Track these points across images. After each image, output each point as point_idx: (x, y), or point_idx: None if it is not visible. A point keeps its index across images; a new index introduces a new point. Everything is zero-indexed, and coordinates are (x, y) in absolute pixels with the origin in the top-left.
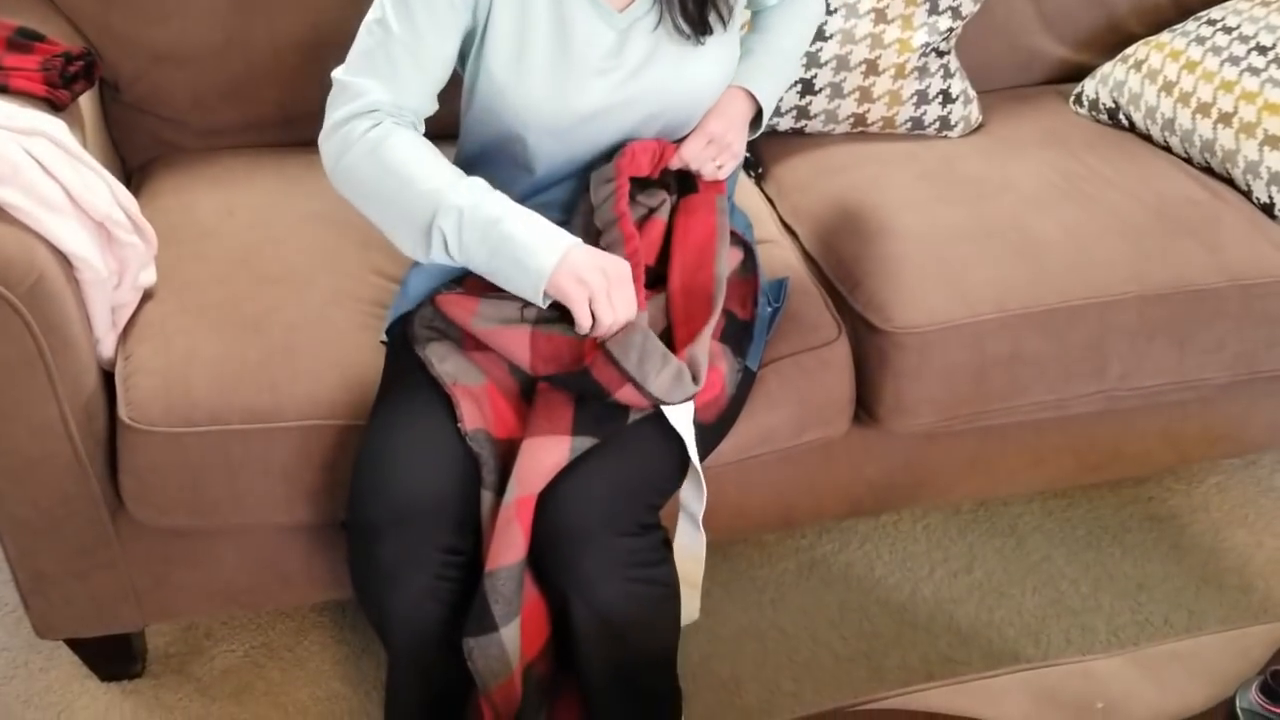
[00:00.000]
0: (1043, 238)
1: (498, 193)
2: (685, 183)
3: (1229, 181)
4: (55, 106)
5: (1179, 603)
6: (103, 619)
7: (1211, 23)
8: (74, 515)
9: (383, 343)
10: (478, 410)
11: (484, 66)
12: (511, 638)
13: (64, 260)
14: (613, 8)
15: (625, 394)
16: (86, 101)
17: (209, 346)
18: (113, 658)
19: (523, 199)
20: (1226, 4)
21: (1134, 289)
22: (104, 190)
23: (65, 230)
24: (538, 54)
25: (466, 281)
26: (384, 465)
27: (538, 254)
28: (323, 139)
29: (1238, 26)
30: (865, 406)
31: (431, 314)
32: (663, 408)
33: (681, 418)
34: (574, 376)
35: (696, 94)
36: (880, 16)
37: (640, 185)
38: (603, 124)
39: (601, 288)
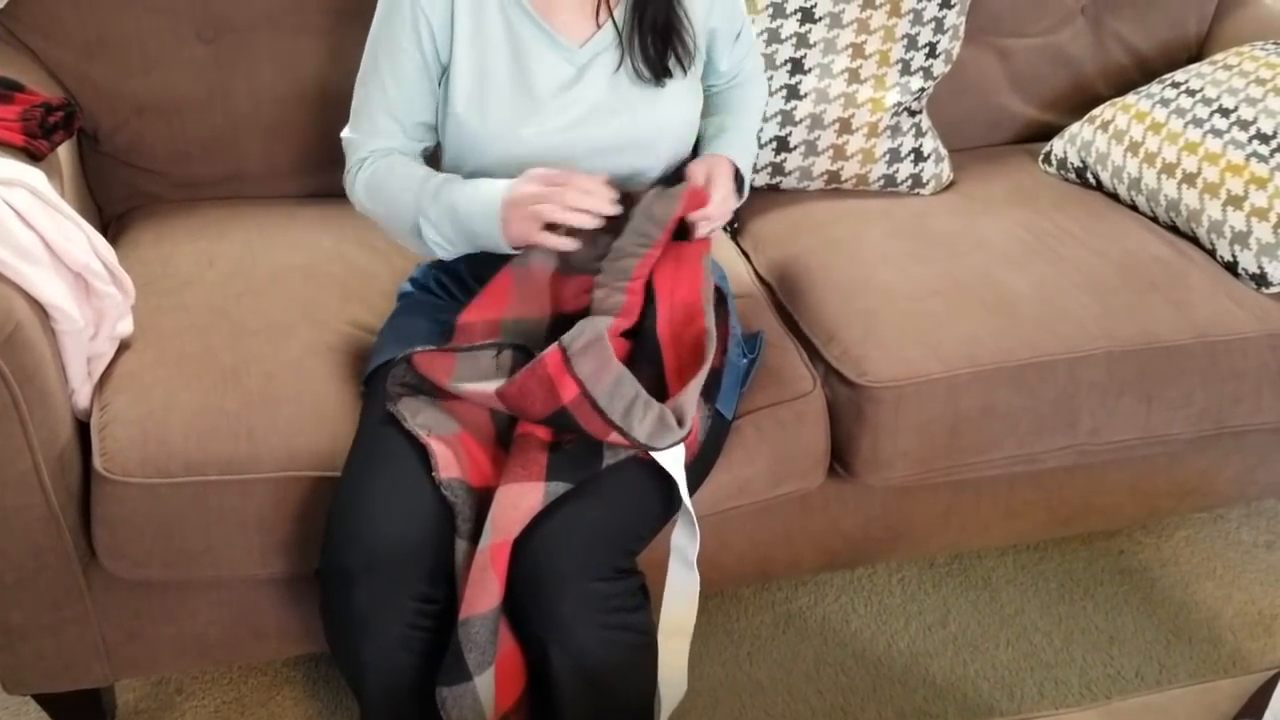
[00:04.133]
0: (1014, 294)
1: (450, 181)
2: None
3: (1194, 240)
4: (34, 156)
5: (1150, 656)
6: (73, 674)
7: (1176, 85)
8: (45, 568)
9: (362, 393)
10: (454, 459)
11: (450, 108)
12: (486, 687)
13: (40, 310)
14: (570, 43)
15: (614, 439)
16: (65, 151)
17: (186, 397)
18: (82, 714)
19: (482, 268)
20: (1190, 68)
21: (1103, 345)
22: (82, 240)
23: (42, 281)
24: (496, 90)
25: (448, 334)
26: (358, 512)
27: (486, 229)
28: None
29: (1201, 89)
30: (840, 459)
31: (404, 371)
32: (653, 453)
33: (672, 461)
34: (559, 414)
35: (657, 135)
36: (854, 76)
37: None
38: (568, 159)
39: (549, 211)
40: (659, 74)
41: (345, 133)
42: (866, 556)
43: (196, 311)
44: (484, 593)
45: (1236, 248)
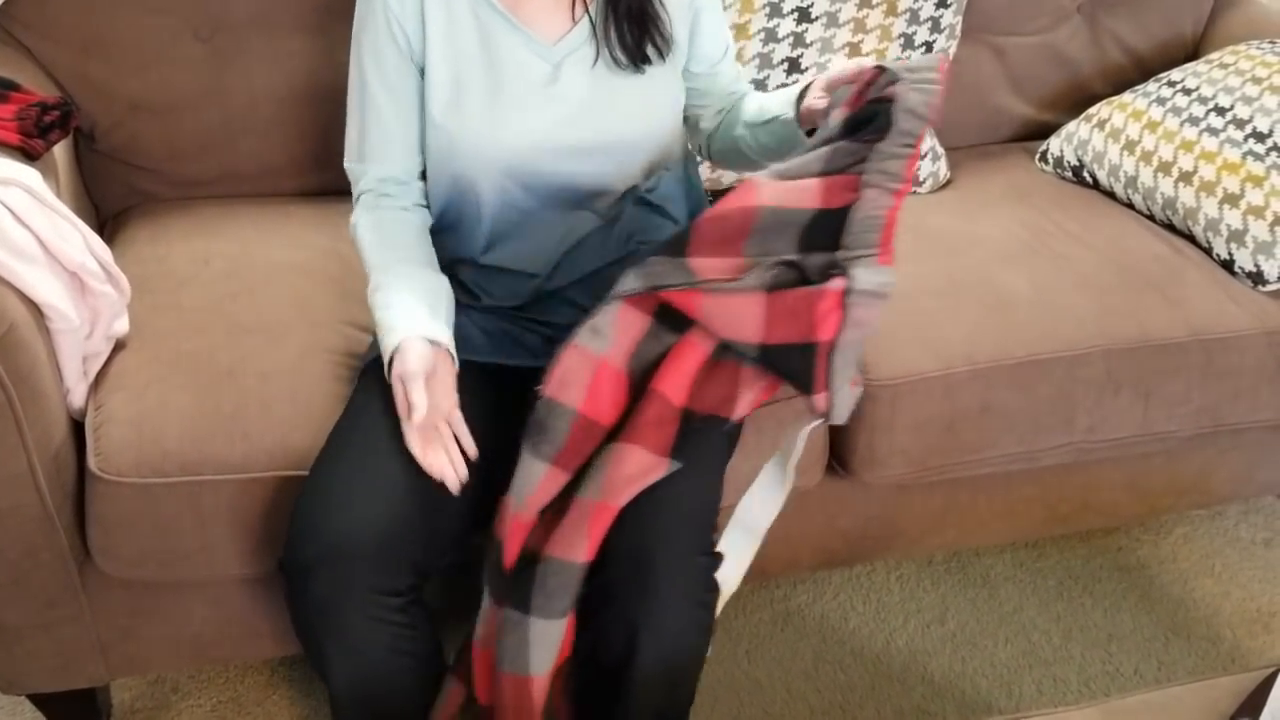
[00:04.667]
0: (1011, 293)
1: (379, 289)
2: None
3: (1190, 238)
4: (29, 155)
5: (1149, 653)
6: (68, 674)
7: (1172, 84)
8: (40, 567)
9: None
10: (576, 380)
11: (428, 116)
12: (542, 635)
13: (36, 310)
14: (544, 40)
15: (818, 401)
16: (61, 150)
17: (181, 397)
18: (78, 713)
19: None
20: (1186, 66)
21: (1100, 343)
22: (78, 239)
23: (38, 280)
24: (472, 92)
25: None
26: (318, 503)
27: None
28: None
29: (1196, 88)
30: (839, 458)
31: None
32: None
33: (804, 437)
34: (796, 351)
35: (643, 129)
36: None
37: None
38: (549, 162)
39: (398, 392)
40: (638, 60)
41: (345, 162)
42: (865, 554)
43: (192, 310)
44: (573, 543)
45: (1233, 245)
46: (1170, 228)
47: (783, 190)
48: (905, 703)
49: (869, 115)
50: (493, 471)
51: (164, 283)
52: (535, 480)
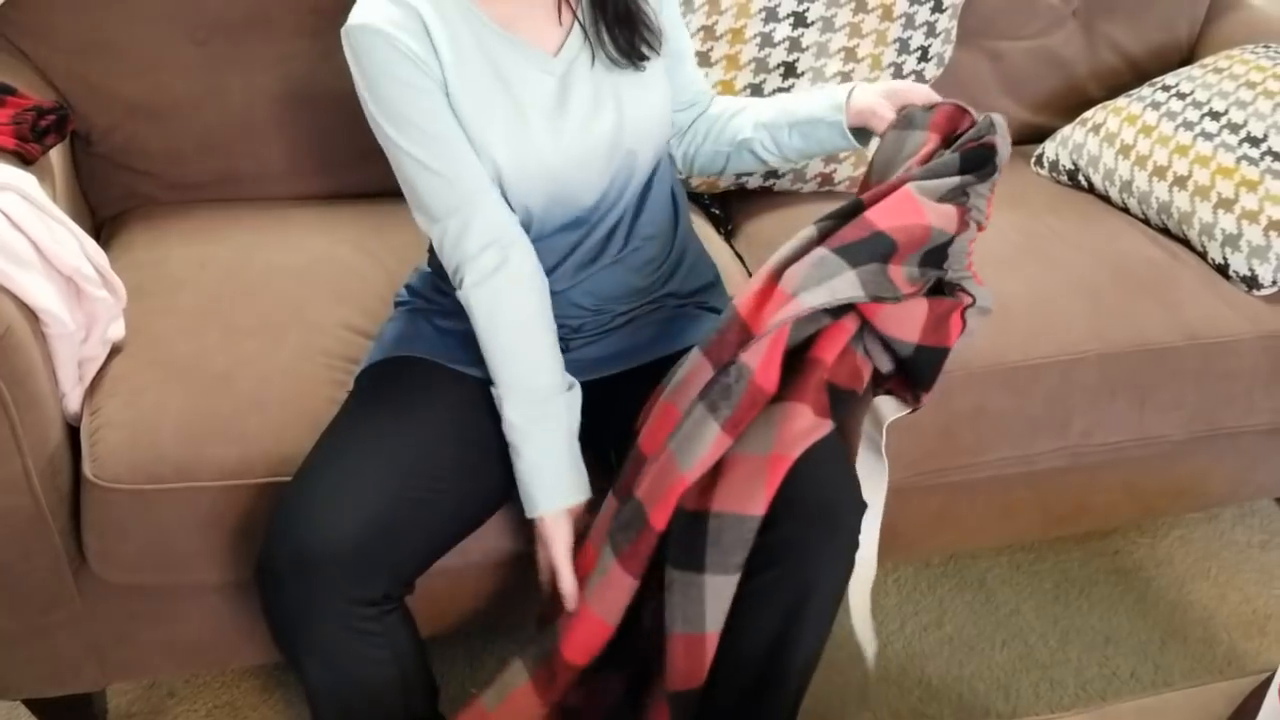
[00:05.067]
0: (1006, 296)
1: (544, 419)
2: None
3: (1185, 242)
4: (25, 160)
5: (1145, 656)
6: (64, 678)
7: (1166, 89)
8: (36, 571)
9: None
10: (756, 347)
11: (465, 127)
12: (718, 592)
13: (31, 315)
14: (546, 53)
15: (927, 397)
16: (57, 154)
17: (177, 401)
18: (74, 718)
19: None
20: (1180, 71)
21: (1095, 347)
22: (73, 244)
23: (33, 285)
24: (496, 120)
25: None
26: (294, 510)
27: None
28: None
29: (1191, 93)
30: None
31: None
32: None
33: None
34: (935, 352)
35: (648, 122)
36: (846, 79)
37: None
38: (569, 171)
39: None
40: (633, 58)
41: (424, 225)
42: None
43: (189, 314)
44: (749, 497)
45: (1228, 250)
46: (1165, 232)
47: (939, 213)
48: (902, 706)
49: (981, 159)
50: (480, 482)
51: (160, 286)
52: (708, 442)
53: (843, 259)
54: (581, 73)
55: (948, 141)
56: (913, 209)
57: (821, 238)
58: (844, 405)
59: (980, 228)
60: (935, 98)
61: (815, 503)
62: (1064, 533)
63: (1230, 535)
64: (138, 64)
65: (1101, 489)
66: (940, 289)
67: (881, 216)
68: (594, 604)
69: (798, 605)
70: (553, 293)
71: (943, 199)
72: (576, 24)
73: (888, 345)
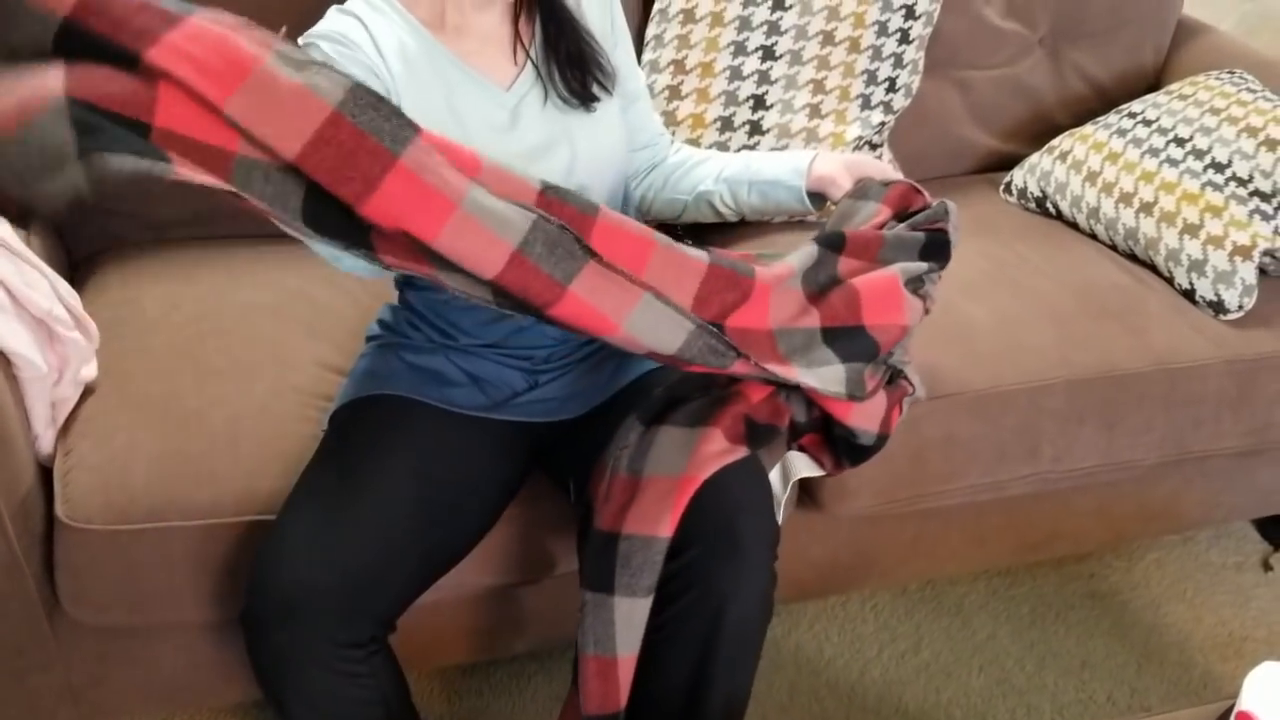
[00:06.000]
0: (974, 323)
1: None
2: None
3: (1152, 268)
4: None
5: (1121, 679)
6: None
7: (1132, 116)
8: (9, 615)
9: (322, 431)
10: None
11: None
12: (628, 615)
13: (2, 358)
14: (498, 86)
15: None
16: None
17: (149, 441)
18: None
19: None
20: (1146, 98)
21: (1062, 373)
22: (45, 286)
23: (4, 328)
24: (450, 134)
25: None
26: (277, 554)
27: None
28: None
29: (1156, 119)
30: (807, 490)
31: None
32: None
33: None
34: (882, 438)
35: (600, 162)
36: (815, 111)
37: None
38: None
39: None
40: (586, 99)
41: None
42: (838, 586)
43: (161, 354)
44: (655, 519)
45: (1194, 275)
46: (1133, 258)
47: (913, 310)
48: None
49: (941, 244)
50: (459, 518)
51: (133, 326)
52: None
53: (833, 351)
54: (533, 109)
55: (899, 217)
56: (896, 305)
57: (809, 285)
58: (763, 439)
59: (928, 312)
60: (894, 175)
61: (719, 524)
62: (1039, 558)
63: (1205, 557)
64: None
65: (1074, 514)
66: (889, 377)
67: (870, 302)
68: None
69: (710, 633)
70: (521, 325)
71: (908, 281)
72: (530, 62)
73: (809, 401)
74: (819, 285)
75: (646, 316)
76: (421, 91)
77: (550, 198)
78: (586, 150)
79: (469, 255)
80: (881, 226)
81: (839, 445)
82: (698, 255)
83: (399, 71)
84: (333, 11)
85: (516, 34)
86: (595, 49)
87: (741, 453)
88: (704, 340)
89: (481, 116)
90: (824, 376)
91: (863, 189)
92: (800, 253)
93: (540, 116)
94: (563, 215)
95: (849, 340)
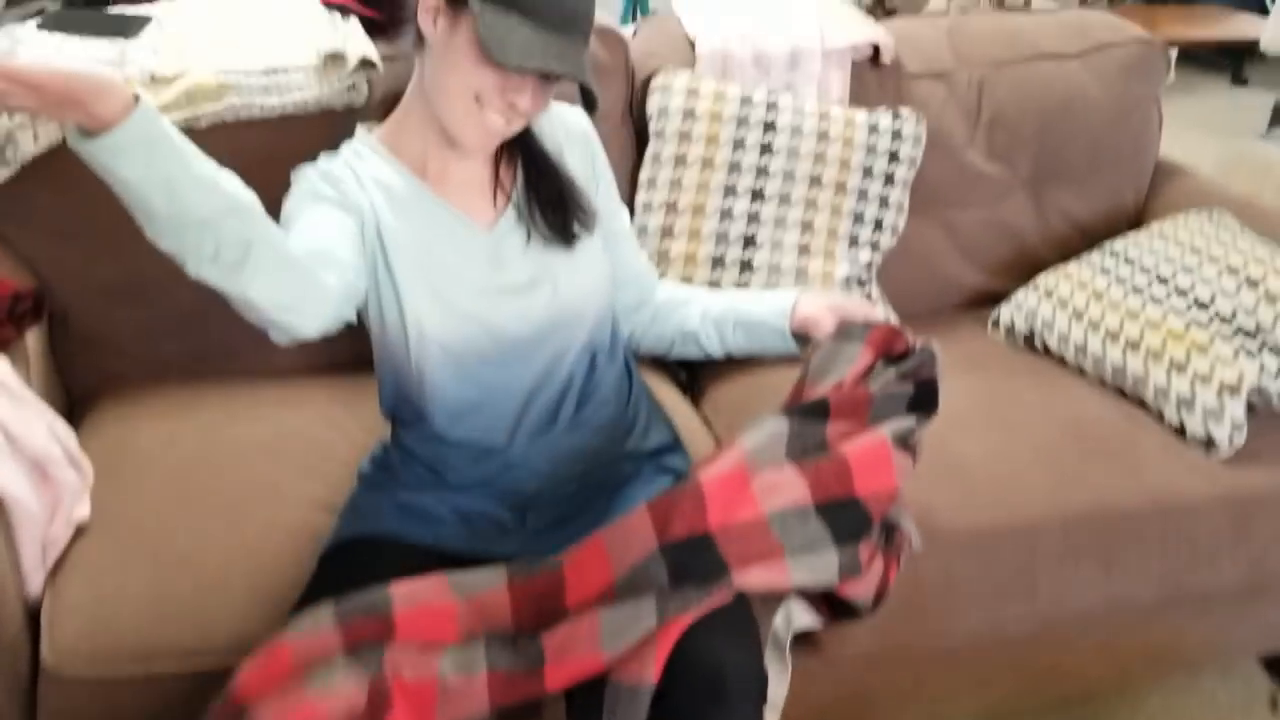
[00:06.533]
0: (967, 461)
1: None
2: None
3: (1142, 404)
4: (0, 343)
5: None
6: None
7: (1115, 254)
8: None
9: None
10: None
11: (406, 312)
12: None
13: None
14: (481, 226)
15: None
16: (34, 332)
17: (139, 583)
18: None
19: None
20: (1128, 236)
21: (1058, 513)
22: (42, 427)
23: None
24: (429, 283)
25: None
26: None
27: None
28: None
29: (1139, 258)
30: (805, 633)
31: None
32: None
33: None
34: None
35: (583, 300)
36: (804, 250)
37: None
38: (501, 340)
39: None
40: (567, 238)
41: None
42: None
43: (155, 492)
44: (642, 666)
45: (1184, 412)
46: (1122, 394)
47: (902, 469)
48: None
49: (930, 395)
50: None
51: (127, 465)
52: (641, 631)
53: (827, 530)
54: (515, 248)
55: (886, 359)
56: (887, 470)
57: (794, 455)
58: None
59: (916, 460)
60: (877, 316)
61: (704, 671)
62: (1043, 699)
63: (1212, 698)
64: (116, 248)
65: (1077, 654)
66: (885, 533)
67: (861, 470)
68: (413, 676)
69: None
70: (510, 462)
71: (897, 440)
72: (511, 204)
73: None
74: (805, 453)
75: (615, 623)
76: (406, 228)
77: (519, 584)
78: (568, 286)
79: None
80: (865, 371)
81: (837, 603)
82: (637, 513)
83: (382, 205)
84: (322, 155)
85: (497, 178)
86: (576, 191)
87: (727, 596)
88: (675, 599)
89: (464, 255)
90: (816, 567)
91: (845, 330)
92: (760, 430)
93: (523, 255)
94: (535, 589)
95: (843, 515)
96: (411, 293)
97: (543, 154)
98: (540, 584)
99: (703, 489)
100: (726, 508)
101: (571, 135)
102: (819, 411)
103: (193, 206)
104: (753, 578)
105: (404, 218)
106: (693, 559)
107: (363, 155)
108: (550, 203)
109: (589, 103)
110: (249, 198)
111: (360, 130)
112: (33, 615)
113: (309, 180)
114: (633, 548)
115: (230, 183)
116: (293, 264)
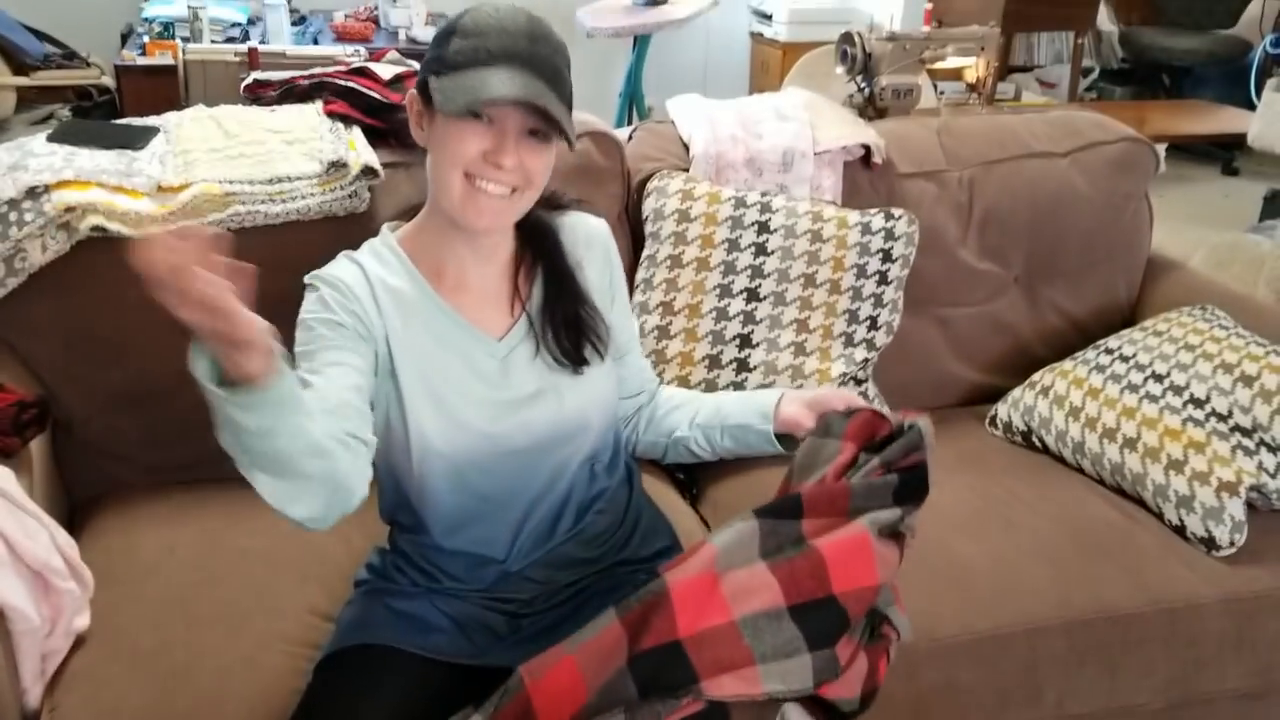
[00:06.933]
0: (968, 563)
1: None
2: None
3: (1141, 503)
4: (4, 453)
5: None
6: None
7: (1109, 352)
8: None
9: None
10: None
11: (409, 421)
12: None
13: None
14: (490, 336)
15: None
16: (38, 440)
17: (136, 696)
18: None
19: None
20: (1123, 334)
21: (1060, 615)
22: (44, 538)
23: (1, 581)
24: (435, 395)
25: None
26: None
27: None
28: None
29: (1134, 355)
30: None
31: None
32: None
33: None
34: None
35: (586, 414)
36: (799, 349)
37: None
38: (502, 451)
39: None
40: (576, 361)
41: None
42: None
43: (154, 602)
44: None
45: (1183, 511)
46: (1120, 492)
47: (885, 563)
48: None
49: (919, 481)
50: None
51: (128, 573)
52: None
53: (801, 634)
54: (523, 360)
55: (870, 448)
56: (867, 565)
57: (768, 553)
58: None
59: (905, 549)
60: (857, 403)
61: None
62: None
63: None
64: (121, 355)
65: None
66: (869, 629)
67: (836, 566)
68: None
69: None
70: (507, 572)
71: (882, 530)
72: (525, 315)
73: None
74: (779, 550)
75: None
76: (414, 339)
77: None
78: (573, 403)
79: None
80: (848, 464)
81: (826, 704)
82: (607, 624)
83: (392, 314)
84: (341, 257)
85: (516, 289)
86: (593, 315)
87: (699, 705)
88: (643, 711)
89: (471, 365)
90: (790, 673)
91: (825, 424)
92: (730, 530)
93: (529, 368)
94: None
95: (818, 616)
96: (415, 404)
97: (564, 272)
98: (510, 714)
99: (671, 595)
100: (696, 613)
101: (592, 245)
102: (792, 508)
103: (281, 447)
104: (724, 686)
105: (414, 327)
106: (661, 669)
107: (383, 257)
108: (566, 324)
109: (567, 141)
110: (331, 444)
111: (385, 230)
112: None
113: (324, 303)
114: (605, 666)
115: (318, 422)
116: (339, 487)
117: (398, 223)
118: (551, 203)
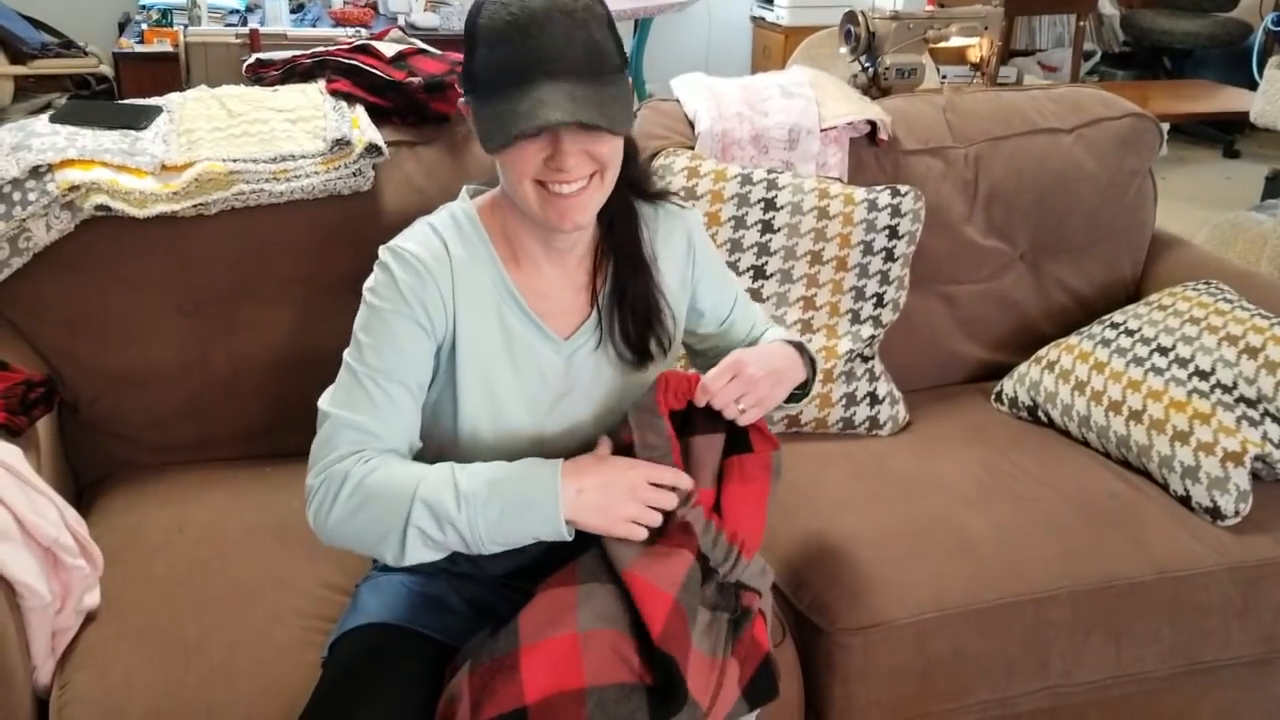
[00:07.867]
0: (974, 536)
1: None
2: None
3: (1147, 474)
4: (13, 432)
5: None
6: None
7: (1115, 325)
8: None
9: (323, 660)
10: None
11: (459, 414)
12: None
13: (7, 586)
14: (559, 335)
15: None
16: (45, 421)
17: (147, 673)
18: None
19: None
20: (1127, 309)
21: (1066, 585)
22: (54, 515)
23: (12, 557)
24: (497, 390)
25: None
26: None
27: (537, 505)
28: (313, 478)
29: (1139, 329)
30: (815, 711)
31: None
32: None
33: None
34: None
35: None
36: (807, 326)
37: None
38: (556, 446)
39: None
40: (641, 355)
41: (326, 405)
42: None
43: (163, 580)
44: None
45: (1188, 482)
46: (1126, 464)
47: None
48: None
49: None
50: None
51: (137, 552)
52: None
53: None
54: (585, 354)
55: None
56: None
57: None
58: None
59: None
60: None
61: None
62: None
63: None
64: (126, 335)
65: None
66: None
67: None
68: None
69: None
70: (519, 565)
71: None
72: (596, 309)
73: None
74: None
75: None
76: (481, 331)
77: None
78: (627, 404)
79: None
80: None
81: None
82: (457, 684)
83: (465, 303)
84: (422, 225)
85: (592, 278)
86: (663, 306)
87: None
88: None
89: (534, 365)
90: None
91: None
92: (593, 586)
93: (591, 360)
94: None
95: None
96: (469, 398)
97: (639, 261)
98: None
99: (520, 660)
100: (550, 677)
101: (671, 240)
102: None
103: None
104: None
105: (484, 320)
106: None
107: (464, 233)
108: (635, 313)
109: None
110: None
111: (464, 195)
112: (41, 704)
113: (395, 287)
114: (607, 668)
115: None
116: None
117: (477, 187)
118: (640, 187)
